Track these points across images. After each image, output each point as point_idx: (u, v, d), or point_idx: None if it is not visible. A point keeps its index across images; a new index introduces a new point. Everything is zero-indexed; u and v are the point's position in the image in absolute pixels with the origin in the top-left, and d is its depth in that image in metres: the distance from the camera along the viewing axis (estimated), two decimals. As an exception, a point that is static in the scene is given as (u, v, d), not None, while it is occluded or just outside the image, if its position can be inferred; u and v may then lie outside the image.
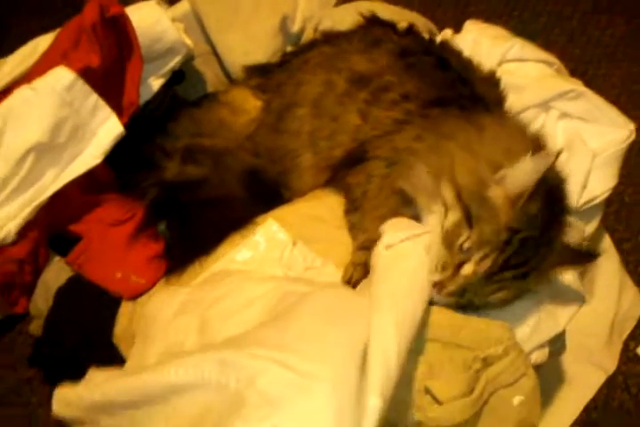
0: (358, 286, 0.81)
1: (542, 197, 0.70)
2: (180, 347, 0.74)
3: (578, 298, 0.85)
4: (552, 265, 0.75)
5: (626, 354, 1.16)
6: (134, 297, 0.87)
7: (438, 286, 0.72)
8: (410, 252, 0.73)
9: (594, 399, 1.11)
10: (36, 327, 0.91)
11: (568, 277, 0.84)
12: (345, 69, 0.92)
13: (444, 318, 0.73)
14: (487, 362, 0.72)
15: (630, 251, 1.26)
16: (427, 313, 0.71)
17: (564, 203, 0.78)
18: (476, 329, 0.73)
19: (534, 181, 0.67)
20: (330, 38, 1.02)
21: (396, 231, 0.75)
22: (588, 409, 1.10)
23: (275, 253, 0.86)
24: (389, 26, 1.00)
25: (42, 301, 0.90)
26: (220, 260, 0.86)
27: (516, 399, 0.73)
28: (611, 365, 1.14)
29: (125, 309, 0.86)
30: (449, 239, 0.72)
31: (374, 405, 0.59)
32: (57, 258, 0.94)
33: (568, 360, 1.11)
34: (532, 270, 0.72)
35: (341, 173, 0.88)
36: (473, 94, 0.86)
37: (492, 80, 0.92)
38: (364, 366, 0.62)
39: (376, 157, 0.84)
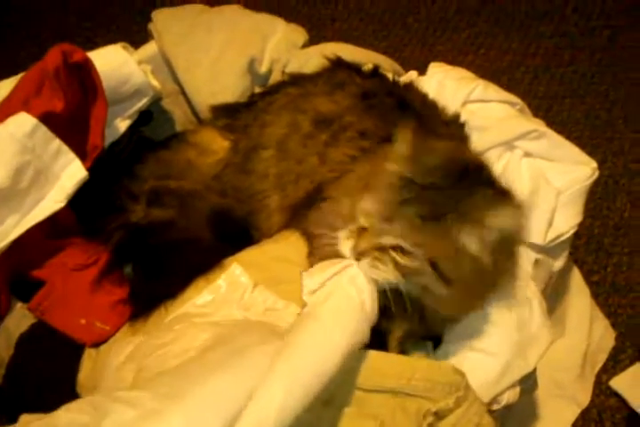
0: None
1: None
2: None
3: (547, 336, 0.85)
4: (475, 207, 0.69)
5: (599, 387, 1.17)
6: (98, 344, 0.85)
7: (357, 255, 0.70)
8: (332, 291, 0.71)
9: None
10: (-4, 376, 0.89)
11: (536, 314, 0.84)
12: (309, 111, 0.93)
13: (389, 364, 0.71)
14: (439, 415, 0.70)
15: (600, 283, 1.28)
16: (360, 359, 0.69)
17: None
18: (428, 375, 0.70)
19: None
20: (296, 80, 1.04)
21: (314, 275, 0.73)
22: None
23: (235, 295, 0.85)
24: (354, 68, 1.02)
25: (3, 348, 0.88)
26: (185, 304, 0.85)
27: None
28: (584, 398, 1.14)
29: (88, 356, 0.85)
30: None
31: None
32: (19, 304, 0.92)
33: (541, 395, 1.10)
34: (447, 212, 0.68)
35: (299, 214, 0.88)
36: None
37: (456, 122, 0.93)
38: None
39: (329, 198, 0.83)
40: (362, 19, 1.80)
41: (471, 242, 0.68)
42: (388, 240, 0.69)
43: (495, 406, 0.82)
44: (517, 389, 0.83)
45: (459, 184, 0.70)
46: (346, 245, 0.72)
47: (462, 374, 0.72)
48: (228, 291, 0.85)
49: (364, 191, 0.73)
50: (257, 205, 0.95)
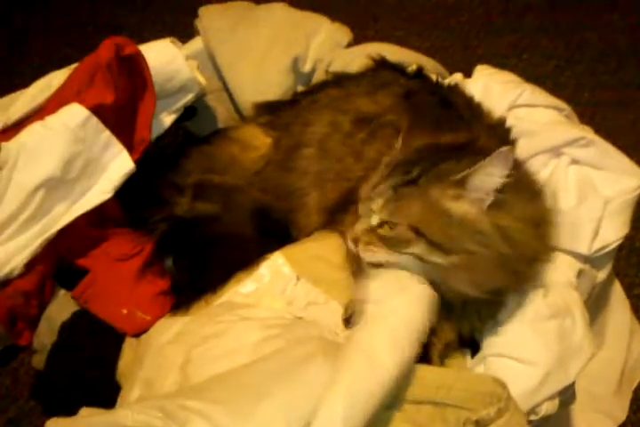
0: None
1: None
2: (160, 383, 0.75)
3: (588, 348, 0.83)
4: (451, 169, 0.69)
5: (636, 403, 1.14)
6: (138, 334, 0.86)
7: (354, 242, 0.72)
8: (396, 308, 0.71)
9: (603, 449, 1.09)
10: (38, 361, 0.90)
11: (579, 325, 0.83)
12: (351, 111, 0.94)
13: (431, 376, 0.71)
14: (480, 425, 0.69)
15: (641, 296, 1.25)
16: (410, 374, 0.69)
17: None
18: (468, 386, 0.70)
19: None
20: (339, 80, 1.04)
21: (382, 287, 0.73)
22: (597, 459, 1.08)
23: (278, 286, 0.86)
24: (398, 69, 1.01)
25: (46, 335, 0.90)
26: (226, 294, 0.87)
27: None
28: (620, 414, 1.12)
29: (129, 345, 0.86)
30: None
31: None
32: (62, 292, 0.93)
33: (577, 409, 1.08)
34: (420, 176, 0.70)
35: (337, 215, 0.89)
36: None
37: (502, 126, 0.92)
38: None
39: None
40: (405, 19, 1.79)
41: (455, 205, 0.69)
42: (374, 220, 0.72)
43: (532, 417, 0.80)
44: (556, 400, 0.81)
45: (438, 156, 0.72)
46: (346, 236, 0.75)
47: (504, 386, 0.71)
48: (272, 281, 0.85)
49: None
50: (297, 203, 0.96)
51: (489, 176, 0.68)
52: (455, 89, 1.00)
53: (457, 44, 1.71)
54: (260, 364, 0.69)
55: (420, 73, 1.02)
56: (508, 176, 0.67)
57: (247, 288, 0.86)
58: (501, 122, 0.95)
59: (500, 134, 0.91)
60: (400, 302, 0.71)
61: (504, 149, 0.66)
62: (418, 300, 0.72)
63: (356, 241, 0.73)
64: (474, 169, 0.67)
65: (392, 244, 0.71)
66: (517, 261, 0.73)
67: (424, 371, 0.71)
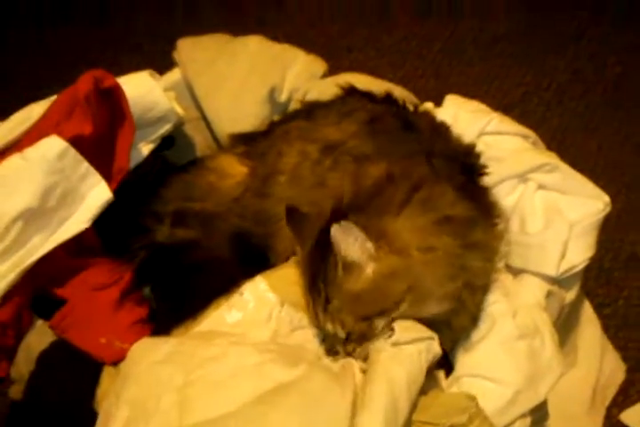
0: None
1: None
2: (154, 403, 0.73)
3: (557, 367, 0.85)
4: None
5: (609, 421, 1.16)
6: (116, 362, 0.86)
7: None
8: (412, 354, 0.75)
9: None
10: (16, 391, 0.90)
11: (548, 345, 0.85)
12: (319, 140, 0.96)
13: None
14: None
15: (611, 316, 1.28)
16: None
17: None
18: (443, 403, 0.74)
19: None
20: (310, 109, 1.06)
21: (405, 331, 0.76)
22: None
23: (263, 314, 0.86)
24: (366, 95, 1.04)
25: (24, 364, 0.89)
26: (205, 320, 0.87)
27: None
28: (595, 431, 1.14)
29: (107, 373, 0.86)
30: None
31: None
32: (40, 322, 0.93)
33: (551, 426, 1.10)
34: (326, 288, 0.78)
35: None
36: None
37: (471, 153, 0.95)
38: None
39: None
40: (378, 49, 1.84)
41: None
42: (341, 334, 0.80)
43: (506, 436, 0.82)
44: (528, 419, 0.83)
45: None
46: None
47: (474, 399, 0.75)
48: (257, 308, 0.86)
49: None
50: (273, 228, 0.97)
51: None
52: (420, 113, 1.02)
53: (429, 74, 1.76)
54: (279, 400, 0.71)
55: (387, 98, 1.04)
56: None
57: (233, 317, 0.86)
58: (471, 148, 0.98)
59: (457, 160, 0.93)
60: None
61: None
62: None
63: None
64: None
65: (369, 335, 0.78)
66: None
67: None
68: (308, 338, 0.85)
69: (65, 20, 1.91)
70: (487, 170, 0.95)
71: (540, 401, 0.83)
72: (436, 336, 0.77)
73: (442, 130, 0.98)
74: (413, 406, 0.72)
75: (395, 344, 0.75)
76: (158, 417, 0.71)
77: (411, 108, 1.03)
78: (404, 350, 0.74)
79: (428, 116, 1.02)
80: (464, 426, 0.72)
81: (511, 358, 0.82)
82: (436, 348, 0.76)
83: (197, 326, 0.87)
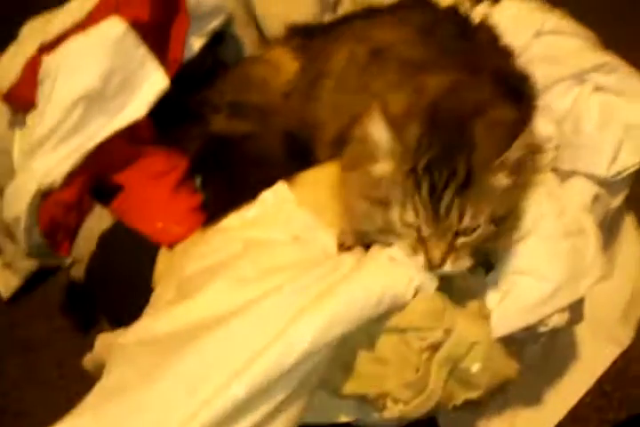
0: None
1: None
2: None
3: (599, 268, 0.86)
4: (485, 160, 0.71)
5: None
6: (172, 245, 0.90)
7: (429, 264, 0.74)
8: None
9: (607, 372, 1.13)
10: (77, 271, 0.95)
11: (591, 246, 0.85)
12: (370, 40, 0.93)
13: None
14: (433, 347, 0.75)
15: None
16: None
17: None
18: (416, 307, 0.76)
19: None
20: (370, 10, 1.04)
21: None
22: (602, 381, 1.12)
23: (279, 212, 0.88)
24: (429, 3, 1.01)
25: (84, 245, 0.94)
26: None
27: (474, 367, 0.77)
28: (625, 339, 1.16)
29: (163, 255, 0.89)
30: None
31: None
32: (99, 206, 0.96)
33: (582, 333, 1.13)
34: (470, 178, 0.71)
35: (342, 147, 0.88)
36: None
37: (526, 79, 0.92)
38: None
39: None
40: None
41: (500, 181, 0.73)
42: (448, 235, 0.74)
43: (542, 329, 0.84)
44: (566, 314, 0.85)
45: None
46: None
47: (440, 296, 0.78)
48: (274, 206, 0.87)
49: None
50: (314, 134, 0.97)
51: (518, 151, 0.71)
52: (483, 26, 0.99)
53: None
54: None
55: (453, 8, 1.01)
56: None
57: (251, 212, 0.88)
58: (523, 74, 0.93)
59: (505, 80, 0.89)
60: None
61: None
62: None
63: (442, 261, 0.73)
64: (509, 151, 0.70)
65: (473, 244, 0.74)
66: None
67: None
68: (319, 235, 0.86)
69: None
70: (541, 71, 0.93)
71: (580, 297, 0.84)
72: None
73: (500, 46, 0.96)
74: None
75: (391, 259, 0.76)
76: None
77: (467, 13, 1.00)
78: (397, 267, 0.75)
79: (490, 32, 0.98)
80: (444, 340, 0.76)
81: (553, 255, 0.83)
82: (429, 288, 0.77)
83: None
